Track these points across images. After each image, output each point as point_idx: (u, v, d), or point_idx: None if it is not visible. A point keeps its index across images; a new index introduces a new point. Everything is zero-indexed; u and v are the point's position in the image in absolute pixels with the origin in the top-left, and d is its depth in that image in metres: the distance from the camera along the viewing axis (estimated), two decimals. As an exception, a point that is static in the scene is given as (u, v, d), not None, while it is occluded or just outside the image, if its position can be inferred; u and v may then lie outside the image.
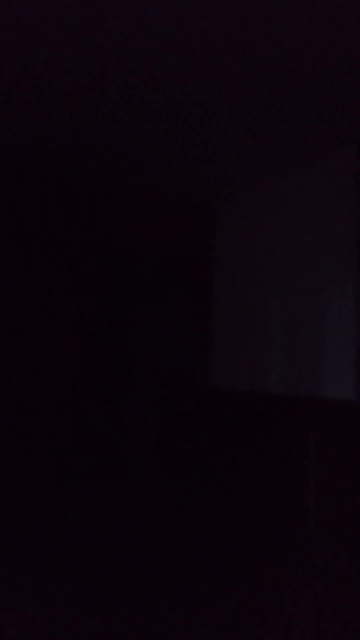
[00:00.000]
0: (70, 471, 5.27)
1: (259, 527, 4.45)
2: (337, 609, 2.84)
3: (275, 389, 5.15)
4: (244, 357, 5.62)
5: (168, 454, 6.03)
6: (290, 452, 4.63)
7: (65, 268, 5.39)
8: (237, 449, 5.27)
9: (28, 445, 5.13)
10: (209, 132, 4.12)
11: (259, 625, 2.64)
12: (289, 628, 2.62)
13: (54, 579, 3.09)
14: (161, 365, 6.10)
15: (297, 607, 2.84)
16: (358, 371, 4.20)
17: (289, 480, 4.63)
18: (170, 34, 2.96)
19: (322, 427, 4.35)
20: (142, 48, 3.13)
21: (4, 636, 2.49)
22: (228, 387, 5.80)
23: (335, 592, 3.09)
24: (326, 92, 3.48)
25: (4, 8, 2.74)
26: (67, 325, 5.37)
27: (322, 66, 3.16)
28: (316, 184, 4.74)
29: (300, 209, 4.92)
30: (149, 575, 3.18)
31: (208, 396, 5.81)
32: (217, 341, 6.08)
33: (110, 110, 3.80)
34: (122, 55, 3.17)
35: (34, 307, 5.22)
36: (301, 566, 3.50)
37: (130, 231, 5.74)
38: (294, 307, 4.96)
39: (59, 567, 3.25)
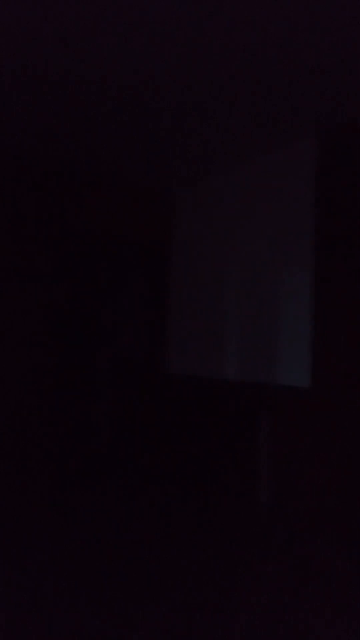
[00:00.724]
0: (26, 459, 5.23)
1: (213, 508, 4.52)
2: (287, 587, 2.84)
3: (231, 375, 5.21)
4: (200, 344, 5.65)
5: (125, 441, 6.05)
6: (245, 437, 4.77)
7: (19, 253, 5.29)
8: (193, 435, 5.39)
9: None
10: (169, 117, 4.11)
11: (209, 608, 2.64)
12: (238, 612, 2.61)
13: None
14: (118, 352, 6.02)
15: (246, 589, 2.83)
16: (312, 359, 4.29)
17: (244, 462, 4.77)
18: (130, 7, 2.95)
19: (276, 412, 4.52)
20: (100, 26, 3.12)
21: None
22: (185, 374, 5.81)
23: (288, 569, 3.08)
24: (287, 81, 3.49)
25: None
26: (21, 312, 5.28)
27: (283, 54, 3.16)
28: (274, 173, 4.81)
29: (258, 197, 4.99)
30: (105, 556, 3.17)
31: (165, 383, 5.88)
32: (174, 329, 6.08)
33: (69, 92, 3.75)
34: (76, 35, 3.14)
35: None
36: (254, 544, 3.52)
37: (86, 216, 5.65)
38: (250, 294, 5.02)
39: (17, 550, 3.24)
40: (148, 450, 5.93)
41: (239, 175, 5.25)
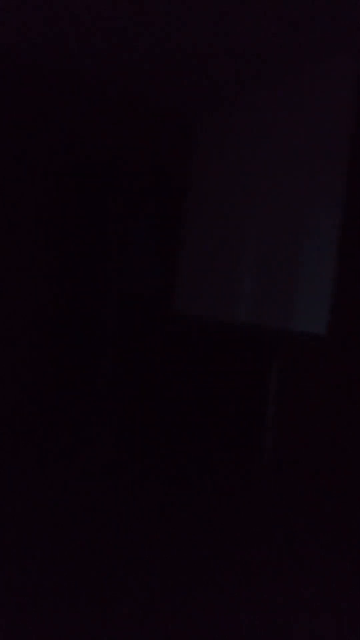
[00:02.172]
0: (30, 396, 5.11)
1: (218, 457, 4.48)
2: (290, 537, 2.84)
3: (243, 318, 4.85)
4: (212, 284, 5.26)
5: (130, 382, 5.76)
6: (254, 382, 4.58)
7: (23, 181, 4.87)
8: (200, 377, 5.17)
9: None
10: (191, 32, 3.57)
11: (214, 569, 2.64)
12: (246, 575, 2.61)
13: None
14: (124, 287, 5.63)
15: (252, 546, 2.83)
16: (331, 306, 4.03)
17: (252, 411, 4.60)
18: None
19: (288, 360, 4.31)
20: None
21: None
22: (194, 313, 5.45)
23: (289, 524, 3.09)
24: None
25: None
26: (25, 244, 4.96)
27: None
28: (307, 96, 4.33)
29: (287, 124, 4.50)
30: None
31: (172, 322, 5.60)
32: (185, 264, 5.65)
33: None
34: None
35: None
36: (258, 496, 3.51)
37: (92, 141, 5.07)
38: (270, 233, 4.63)
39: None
40: (150, 393, 5.79)
41: (265, 100, 4.67)
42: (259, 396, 4.49)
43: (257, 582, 3.15)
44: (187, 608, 2.81)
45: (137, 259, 5.66)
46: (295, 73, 4.27)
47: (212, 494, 4.36)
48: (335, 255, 4.04)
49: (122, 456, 5.24)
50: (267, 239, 4.66)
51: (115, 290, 5.60)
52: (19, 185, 4.94)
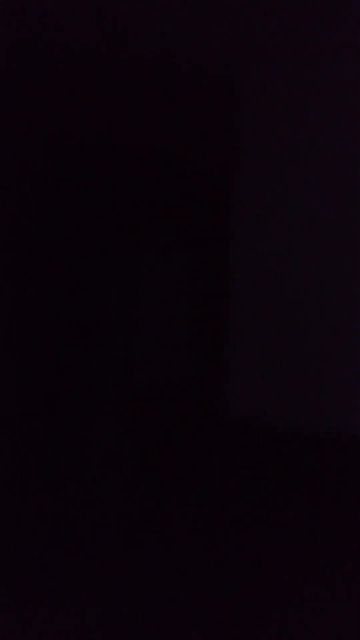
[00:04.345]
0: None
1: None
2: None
3: (334, 421, 2.97)
4: (284, 368, 2.97)
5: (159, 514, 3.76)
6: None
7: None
8: (274, 515, 3.19)
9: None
10: None
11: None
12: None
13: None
14: (149, 379, 3.41)
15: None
16: None
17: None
18: None
19: None
20: None
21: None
22: (258, 418, 3.20)
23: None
24: None
25: None
26: None
27: None
28: None
29: None
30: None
31: (224, 432, 3.43)
32: (242, 332, 3.11)
33: None
34: None
35: None
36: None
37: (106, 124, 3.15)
38: None
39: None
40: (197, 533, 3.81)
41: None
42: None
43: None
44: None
45: (162, 323, 3.38)
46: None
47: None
48: None
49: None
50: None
51: (131, 383, 3.33)
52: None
